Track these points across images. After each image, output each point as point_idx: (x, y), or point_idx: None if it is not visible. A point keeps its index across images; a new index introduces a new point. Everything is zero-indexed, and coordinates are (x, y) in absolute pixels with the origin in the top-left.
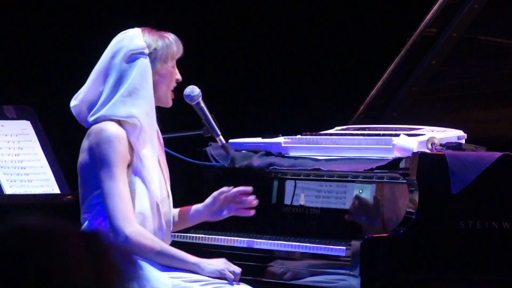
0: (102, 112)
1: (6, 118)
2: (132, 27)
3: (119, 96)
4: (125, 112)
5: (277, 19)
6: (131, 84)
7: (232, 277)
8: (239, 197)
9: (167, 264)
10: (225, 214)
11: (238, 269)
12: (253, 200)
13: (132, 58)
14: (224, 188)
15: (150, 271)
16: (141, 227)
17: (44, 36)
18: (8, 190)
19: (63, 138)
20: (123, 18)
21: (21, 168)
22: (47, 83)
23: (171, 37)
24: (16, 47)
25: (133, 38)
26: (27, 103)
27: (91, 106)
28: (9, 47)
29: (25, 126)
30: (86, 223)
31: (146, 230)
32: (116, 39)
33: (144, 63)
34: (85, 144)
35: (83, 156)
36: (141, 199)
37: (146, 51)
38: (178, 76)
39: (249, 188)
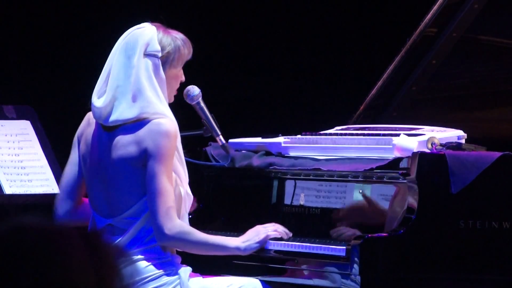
0: (141, 110)
1: (6, 118)
2: (131, 27)
3: (148, 95)
4: (161, 110)
5: (277, 19)
6: (154, 84)
7: (279, 234)
8: None
9: (209, 254)
10: None
11: (273, 227)
12: None
13: (147, 57)
14: None
15: (189, 283)
16: (181, 222)
17: (44, 36)
18: (8, 190)
19: (63, 138)
20: (124, 18)
21: (21, 168)
22: (47, 83)
23: (182, 39)
24: (17, 47)
25: (148, 38)
26: (27, 103)
27: (117, 104)
28: (9, 47)
29: (25, 126)
30: (134, 227)
31: (186, 224)
32: (131, 36)
33: (157, 65)
34: (126, 136)
35: (127, 150)
36: (179, 191)
37: (159, 54)
38: (182, 78)
39: None
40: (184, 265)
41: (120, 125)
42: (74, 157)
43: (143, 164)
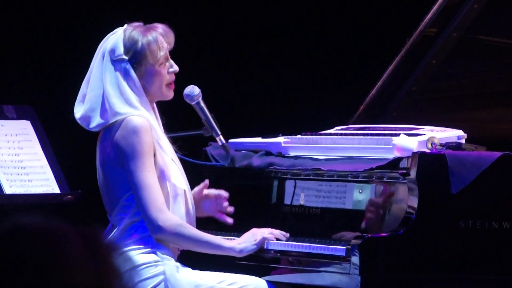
0: (111, 115)
1: (6, 118)
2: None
3: (113, 102)
4: (128, 111)
5: (277, 18)
6: (123, 89)
7: (274, 238)
8: (218, 199)
9: (203, 251)
10: (204, 212)
11: (269, 230)
12: (227, 206)
13: (115, 64)
14: (207, 181)
15: (176, 278)
16: (174, 216)
17: (44, 36)
18: (8, 190)
19: (63, 138)
20: (123, 18)
21: (21, 168)
22: (47, 83)
23: (152, 35)
24: (16, 47)
25: (113, 43)
26: (27, 103)
27: (95, 112)
28: (9, 47)
29: (25, 126)
30: (123, 223)
31: (179, 219)
32: (105, 44)
33: (126, 69)
34: (106, 140)
35: (106, 152)
36: (166, 187)
37: (125, 57)
38: (173, 68)
39: (225, 194)
40: (168, 257)
41: (101, 130)
42: None
43: (120, 164)
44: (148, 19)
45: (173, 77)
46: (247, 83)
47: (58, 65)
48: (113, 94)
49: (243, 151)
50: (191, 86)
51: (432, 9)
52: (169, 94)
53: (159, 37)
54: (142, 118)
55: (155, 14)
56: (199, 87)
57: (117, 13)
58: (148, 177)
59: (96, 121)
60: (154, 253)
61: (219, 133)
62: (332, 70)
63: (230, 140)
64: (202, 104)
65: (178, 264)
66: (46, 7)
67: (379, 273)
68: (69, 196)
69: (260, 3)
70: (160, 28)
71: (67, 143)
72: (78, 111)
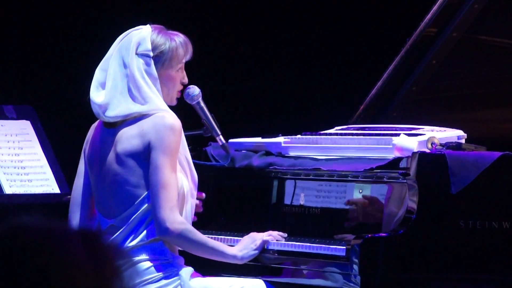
0: (141, 106)
1: (6, 118)
2: (131, 27)
3: (145, 91)
4: (159, 106)
5: (277, 19)
6: (148, 83)
7: (274, 239)
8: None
9: (206, 256)
10: None
11: (268, 233)
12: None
13: (139, 57)
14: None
15: (189, 285)
16: (184, 220)
17: (44, 35)
18: (8, 190)
19: (63, 138)
20: (123, 18)
21: (21, 168)
22: (47, 83)
23: (179, 39)
24: (16, 47)
25: (141, 38)
26: (27, 103)
27: (116, 102)
28: (9, 47)
29: (25, 126)
30: (131, 223)
31: (188, 223)
32: (127, 37)
33: (149, 64)
34: (133, 131)
35: (132, 143)
36: (181, 190)
37: (151, 54)
38: (184, 80)
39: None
40: (186, 265)
41: (122, 121)
42: (80, 167)
43: (146, 158)
44: (147, 19)
45: (181, 87)
46: (247, 83)
47: (58, 65)
48: (144, 85)
49: (243, 151)
50: (191, 86)
51: (432, 9)
52: (174, 101)
53: (187, 44)
54: (177, 118)
55: (155, 14)
56: (199, 87)
57: (117, 14)
58: (171, 177)
59: (117, 110)
60: (171, 263)
61: (219, 133)
62: (332, 70)
63: (230, 140)
64: (202, 104)
65: (192, 269)
66: (46, 7)
67: (379, 273)
68: (69, 196)
69: (260, 3)
70: (183, 37)
71: (67, 143)
72: (97, 96)
